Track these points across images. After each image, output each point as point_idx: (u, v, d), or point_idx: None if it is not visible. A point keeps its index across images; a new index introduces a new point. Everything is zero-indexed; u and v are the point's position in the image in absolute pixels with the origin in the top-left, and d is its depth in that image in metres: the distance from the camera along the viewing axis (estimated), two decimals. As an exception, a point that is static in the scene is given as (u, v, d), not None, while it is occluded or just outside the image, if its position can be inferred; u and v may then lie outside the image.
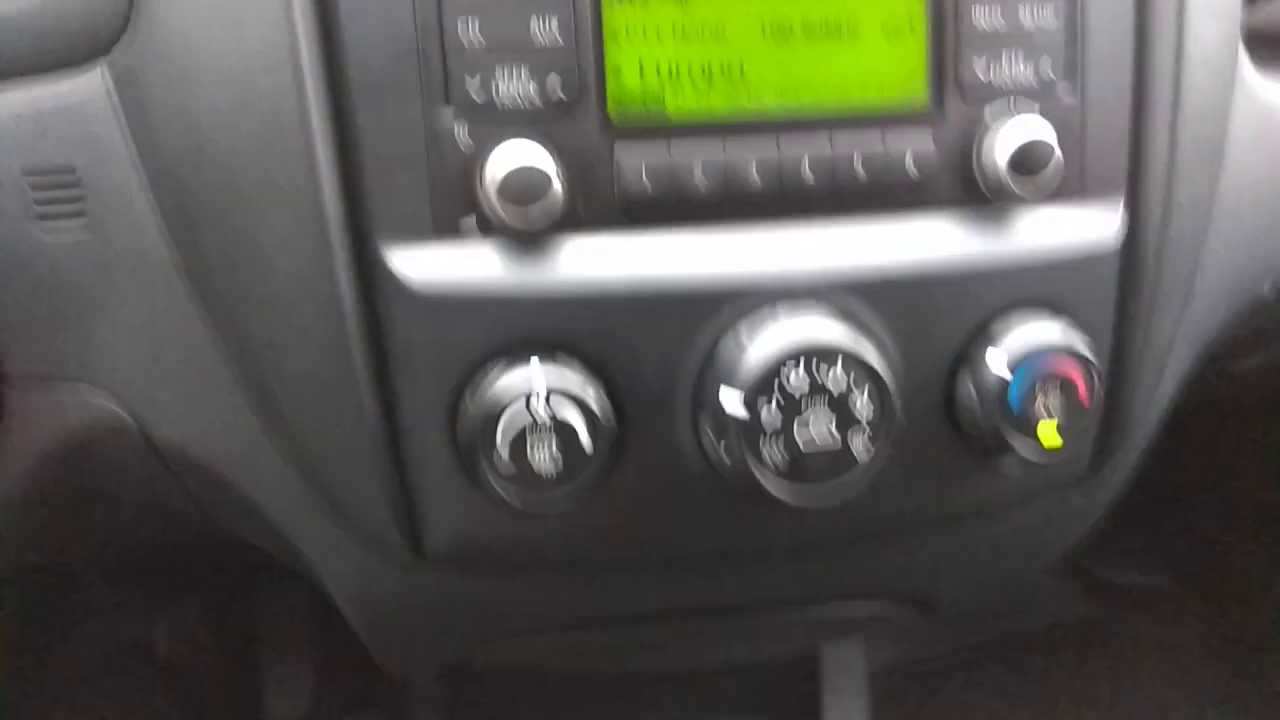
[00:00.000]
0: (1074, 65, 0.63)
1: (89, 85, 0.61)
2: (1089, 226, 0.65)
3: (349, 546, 0.67)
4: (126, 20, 0.61)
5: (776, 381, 0.58)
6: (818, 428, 0.59)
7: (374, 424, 0.60)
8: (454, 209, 0.58)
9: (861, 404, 0.59)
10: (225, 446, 0.65)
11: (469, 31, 0.57)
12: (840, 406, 0.58)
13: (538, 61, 0.57)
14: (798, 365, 0.58)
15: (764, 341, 0.58)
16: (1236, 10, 0.69)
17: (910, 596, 0.80)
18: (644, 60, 0.59)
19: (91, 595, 1.46)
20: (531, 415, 0.57)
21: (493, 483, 0.58)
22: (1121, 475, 0.75)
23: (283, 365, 0.61)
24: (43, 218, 0.61)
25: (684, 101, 0.60)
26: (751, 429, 0.58)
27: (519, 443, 0.57)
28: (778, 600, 0.77)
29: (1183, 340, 0.71)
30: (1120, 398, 0.69)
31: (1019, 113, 0.63)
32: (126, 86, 0.61)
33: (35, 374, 0.63)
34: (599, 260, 0.60)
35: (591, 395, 0.58)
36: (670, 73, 0.60)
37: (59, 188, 0.61)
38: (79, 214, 0.61)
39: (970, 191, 0.63)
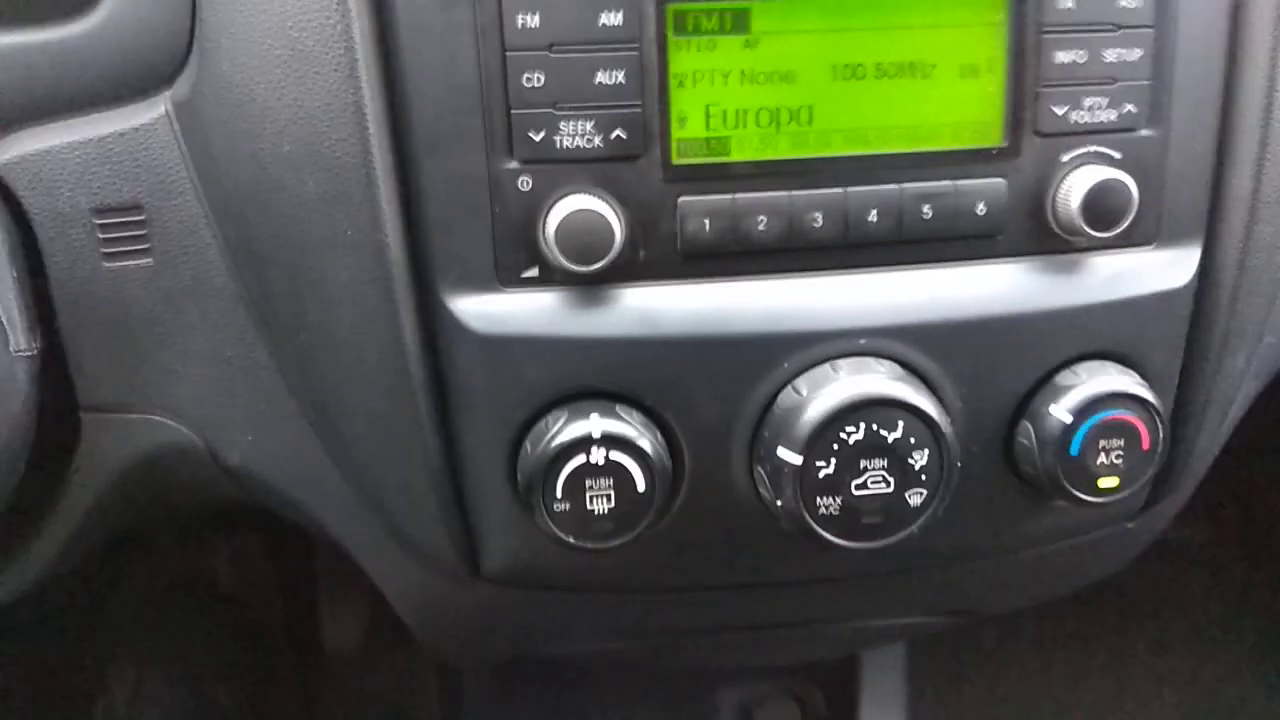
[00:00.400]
0: (1159, 104, 0.60)
1: (151, 116, 0.61)
2: (1163, 271, 0.63)
3: (406, 562, 0.69)
4: (188, 51, 0.61)
5: (835, 436, 0.58)
6: (874, 482, 0.59)
7: (435, 460, 0.61)
8: (516, 257, 0.58)
9: (919, 460, 0.58)
10: (291, 469, 0.67)
11: (533, 83, 0.55)
12: (898, 461, 0.58)
13: (602, 112, 0.56)
14: (856, 421, 0.58)
15: (823, 396, 0.58)
16: None
17: (952, 612, 0.81)
18: (710, 106, 0.58)
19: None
20: (589, 461, 0.57)
21: (549, 521, 0.59)
22: (1177, 506, 0.74)
23: (347, 401, 0.62)
24: (110, 255, 0.61)
25: (750, 148, 0.58)
26: (808, 481, 0.58)
27: (576, 487, 0.58)
28: (822, 619, 0.78)
29: (1253, 376, 0.70)
30: (1183, 436, 0.68)
31: (1098, 157, 0.60)
32: (188, 119, 0.60)
33: (108, 403, 0.65)
34: (658, 309, 0.59)
35: (648, 443, 0.58)
36: (737, 119, 0.58)
37: (126, 224, 0.61)
38: (145, 249, 0.62)
39: (1041, 236, 0.61)
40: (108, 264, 0.61)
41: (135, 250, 0.61)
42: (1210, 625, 1.55)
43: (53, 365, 0.62)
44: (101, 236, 0.61)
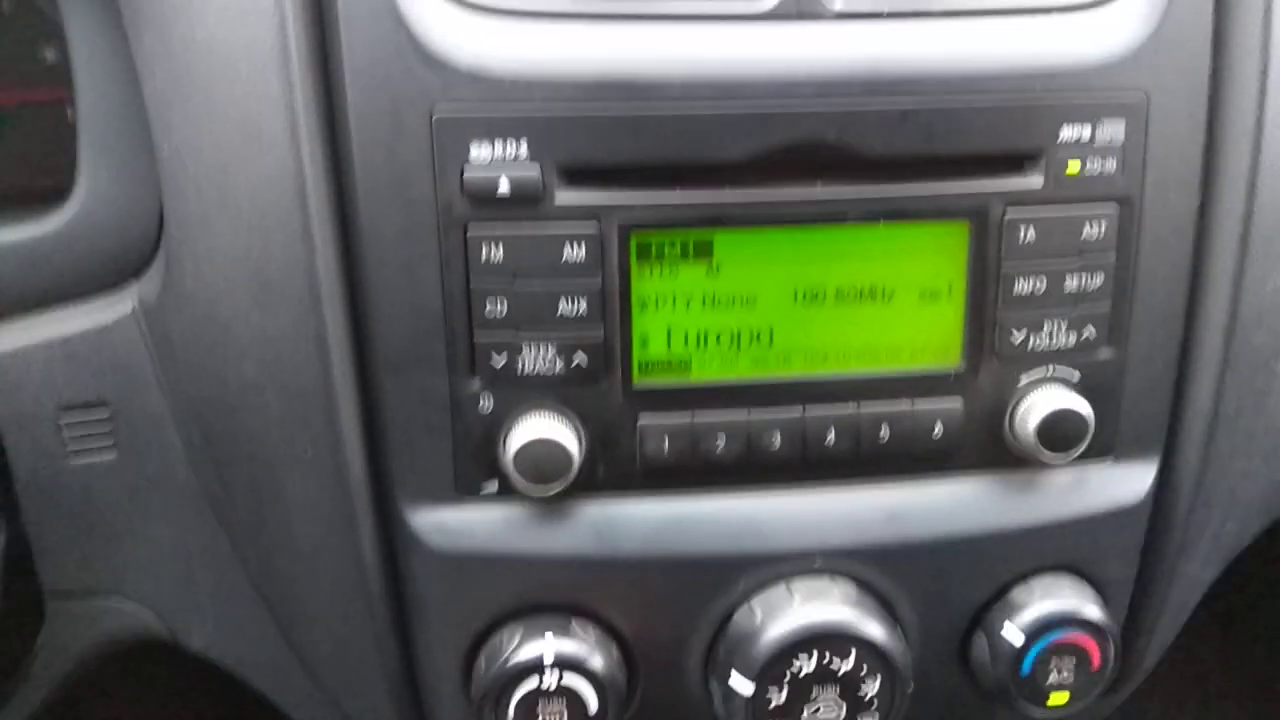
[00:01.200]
0: (1119, 326, 0.61)
1: (118, 313, 0.61)
2: (1120, 484, 0.64)
3: None
4: (156, 246, 0.61)
5: (787, 666, 0.58)
6: (826, 709, 0.59)
7: (392, 665, 0.62)
8: (475, 473, 0.59)
9: (871, 688, 0.59)
10: (252, 656, 0.67)
11: (496, 311, 0.56)
12: (850, 690, 0.59)
13: (565, 337, 0.57)
14: (809, 651, 0.58)
15: (778, 624, 0.58)
16: None
17: None
18: (672, 328, 0.58)
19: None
20: (542, 686, 0.58)
21: None
22: (1136, 684, 0.75)
23: (306, 605, 0.62)
24: (76, 453, 0.62)
25: (710, 369, 0.59)
26: (760, 709, 0.58)
27: (529, 708, 0.58)
28: None
29: (1212, 562, 0.70)
30: (1137, 646, 0.68)
31: (1056, 379, 0.61)
32: (154, 323, 0.61)
33: (72, 589, 0.65)
34: (615, 525, 0.60)
35: (601, 662, 0.58)
36: (698, 340, 0.59)
37: (91, 422, 0.61)
38: (110, 445, 0.62)
39: (997, 455, 0.62)
40: (73, 461, 0.62)
41: (100, 447, 0.62)
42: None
43: (17, 554, 0.62)
44: (67, 435, 0.61)
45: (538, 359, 0.57)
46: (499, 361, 0.57)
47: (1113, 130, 0.58)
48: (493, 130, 0.54)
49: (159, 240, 0.61)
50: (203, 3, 0.52)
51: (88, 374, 0.61)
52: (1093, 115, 0.57)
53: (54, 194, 0.63)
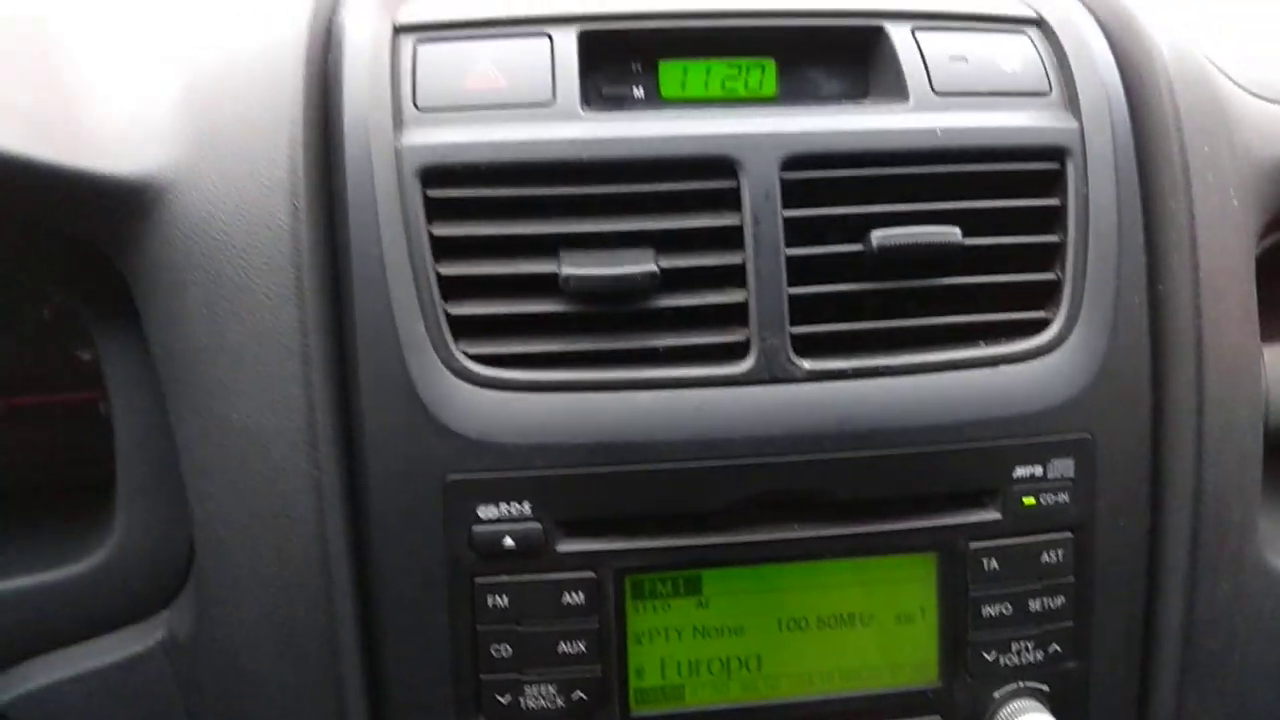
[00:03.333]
0: (1083, 639, 0.66)
1: (148, 644, 0.66)
2: None
3: None
4: (184, 578, 0.66)
5: None
6: None
7: None
8: None
9: None
10: None
11: (501, 653, 0.61)
12: None
13: (565, 675, 0.61)
14: None
15: None
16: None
17: None
18: (665, 659, 0.63)
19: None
20: None
21: None
22: None
23: None
24: None
25: (703, 695, 0.63)
26: None
27: None
28: None
29: None
30: None
31: (1027, 691, 0.65)
32: (182, 653, 0.65)
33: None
34: None
35: None
36: (690, 668, 0.63)
37: None
38: None
39: None
40: None
41: None
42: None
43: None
44: None
45: (540, 696, 0.61)
46: (504, 700, 0.61)
47: (1062, 467, 0.64)
48: (499, 492, 0.60)
49: (188, 571, 0.66)
50: (239, 392, 0.59)
51: (121, 705, 0.65)
52: (1043, 455, 0.63)
53: (89, 516, 0.69)
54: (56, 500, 0.71)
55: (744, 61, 0.70)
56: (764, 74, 0.69)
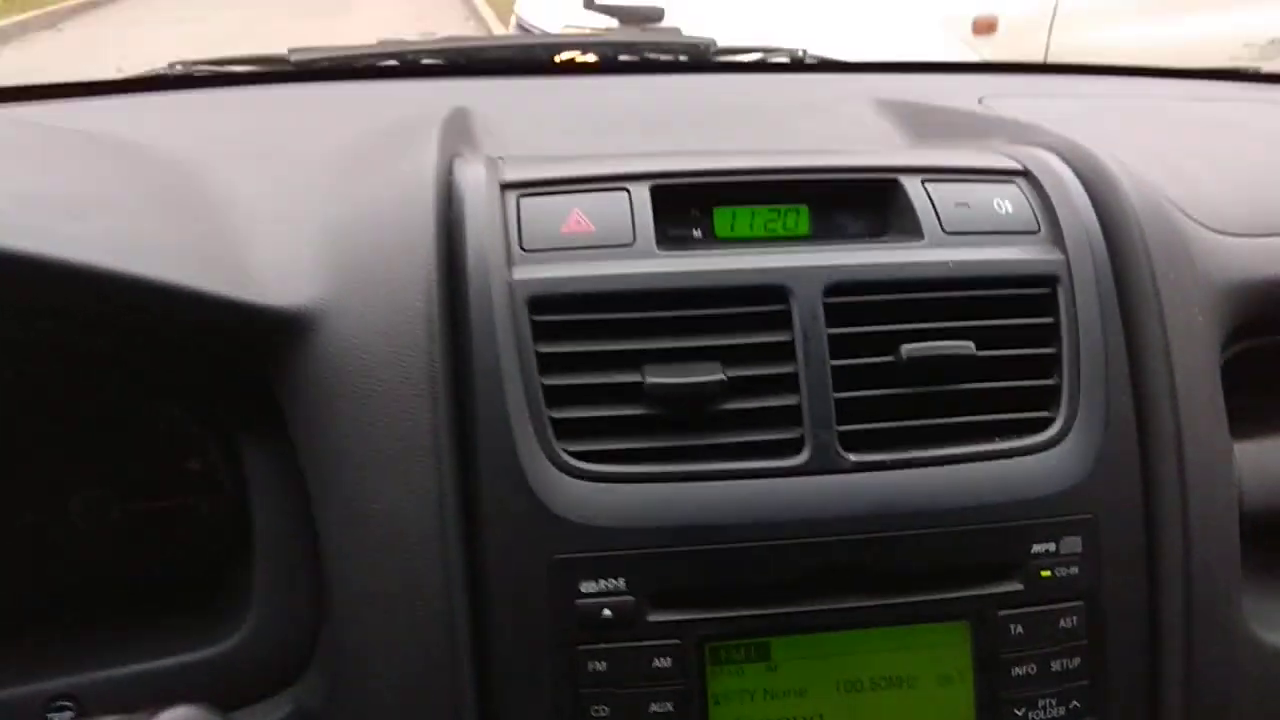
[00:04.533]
0: (1098, 698, 0.75)
1: (276, 714, 0.74)
2: None
3: None
4: (309, 656, 0.75)
5: None
6: None
7: None
8: None
9: None
10: None
11: (601, 713, 0.69)
12: None
13: (656, 732, 0.70)
14: None
15: None
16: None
17: None
18: (740, 718, 0.72)
19: None
20: None
21: None
22: None
23: None
24: None
25: (773, 758, 0.72)
26: None
27: None
28: None
29: None
30: None
31: (1053, 748, 0.75)
32: (314, 716, 0.73)
33: None
34: None
35: None
36: (759, 725, 0.72)
37: None
38: None
39: None
40: None
41: None
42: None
43: None
44: None
45: None
46: None
47: (1072, 544, 0.75)
48: (598, 570, 0.70)
49: (311, 649, 0.74)
50: (380, 485, 0.69)
51: None
52: (1055, 533, 0.75)
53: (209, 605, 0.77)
54: (160, 592, 0.80)
55: (782, 208, 0.83)
56: (799, 217, 0.83)
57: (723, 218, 0.83)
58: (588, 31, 2.04)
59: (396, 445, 0.70)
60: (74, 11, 11.85)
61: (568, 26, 2.37)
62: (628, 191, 0.79)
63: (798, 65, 1.50)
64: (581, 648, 0.70)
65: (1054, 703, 0.74)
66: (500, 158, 0.83)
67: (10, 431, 0.78)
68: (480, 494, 0.71)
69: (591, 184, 0.80)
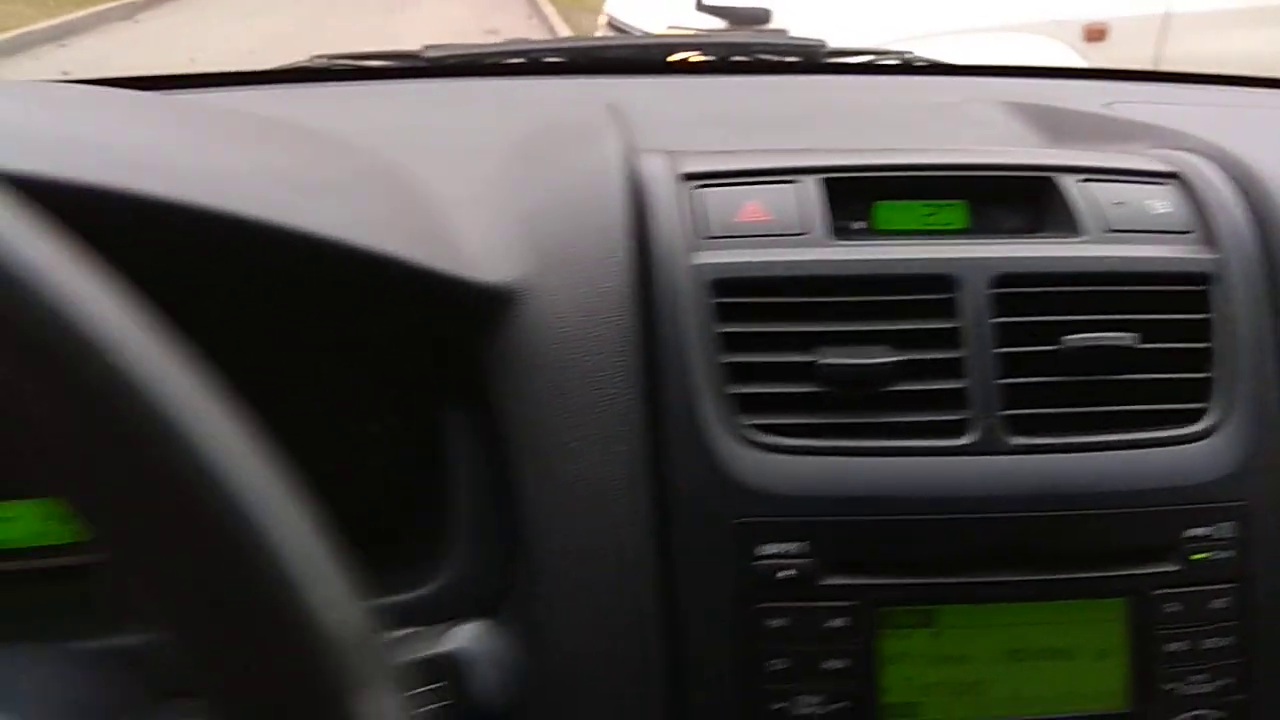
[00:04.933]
0: (1247, 677, 0.79)
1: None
2: None
3: None
4: (497, 607, 0.81)
5: None
6: None
7: None
8: None
9: None
10: None
11: (777, 666, 0.74)
12: None
13: (828, 689, 0.75)
14: None
15: None
16: None
17: None
18: (907, 680, 0.76)
19: None
20: None
21: None
22: None
23: None
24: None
25: (934, 712, 0.76)
26: None
27: None
28: None
29: None
30: None
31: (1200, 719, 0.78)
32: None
33: None
34: None
35: None
36: (925, 689, 0.76)
37: None
38: None
39: None
40: None
41: None
42: None
43: None
44: None
45: (808, 704, 0.74)
46: (779, 706, 0.74)
47: (1225, 529, 0.78)
48: (777, 534, 0.75)
49: (501, 600, 0.80)
50: (580, 450, 0.75)
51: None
52: (1209, 519, 0.78)
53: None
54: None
55: (940, 202, 0.88)
56: (958, 211, 0.87)
57: (884, 210, 0.88)
58: (694, 31, 2.10)
59: (593, 414, 0.76)
60: (149, 4, 12.16)
61: (672, 26, 2.44)
62: (800, 184, 0.84)
63: (908, 68, 1.53)
64: (761, 605, 0.75)
65: (1204, 679, 0.78)
66: (674, 151, 0.89)
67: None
68: (668, 459, 0.76)
69: (766, 176, 0.85)
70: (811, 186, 0.85)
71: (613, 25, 3.60)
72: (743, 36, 1.82)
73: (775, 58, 1.52)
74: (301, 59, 1.49)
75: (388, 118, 1.15)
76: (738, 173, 0.85)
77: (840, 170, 0.86)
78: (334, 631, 0.31)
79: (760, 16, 1.91)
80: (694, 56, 1.54)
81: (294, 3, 11.66)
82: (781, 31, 1.88)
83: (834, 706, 0.75)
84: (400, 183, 0.87)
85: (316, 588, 0.31)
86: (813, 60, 1.51)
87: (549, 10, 11.11)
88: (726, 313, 0.79)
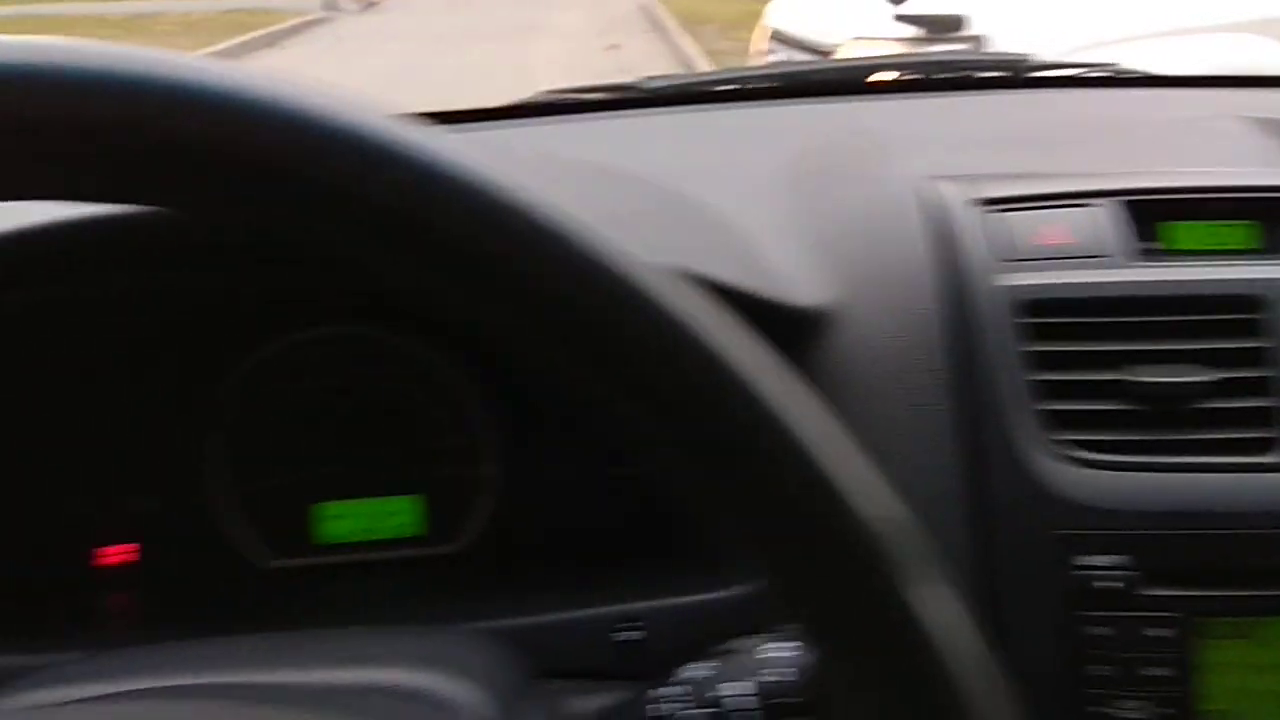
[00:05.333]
0: None
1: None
2: None
3: None
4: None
5: None
6: None
7: None
8: None
9: None
10: None
11: (1101, 673, 0.78)
12: None
13: (1150, 695, 0.78)
14: None
15: None
16: None
17: None
18: (1226, 688, 0.78)
19: None
20: None
21: None
22: None
23: None
24: None
25: (1256, 720, 0.79)
26: None
27: None
28: None
29: None
30: None
31: None
32: None
33: None
34: None
35: None
36: (1243, 697, 0.79)
37: None
38: None
39: None
40: None
41: None
42: None
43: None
44: None
45: (1130, 710, 0.77)
46: (1101, 710, 0.77)
47: None
48: (1100, 546, 0.78)
49: None
50: (895, 467, 0.80)
51: None
52: None
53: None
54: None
55: (1233, 223, 0.89)
56: (1248, 232, 0.89)
57: (1175, 230, 0.90)
58: (878, 41, 2.13)
59: (910, 426, 0.80)
60: (291, 32, 12.80)
61: (858, 39, 2.47)
62: (1099, 206, 0.87)
63: (1116, 81, 1.53)
64: (1082, 613, 0.78)
65: None
66: (963, 176, 0.93)
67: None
68: (986, 473, 0.80)
69: (1060, 199, 0.89)
70: (1111, 209, 0.88)
71: (779, 39, 3.62)
72: (941, 54, 1.84)
73: (980, 74, 1.54)
74: (529, 94, 1.58)
75: (649, 151, 1.22)
76: (1035, 197, 0.89)
77: (1139, 193, 0.89)
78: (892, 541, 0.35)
79: (956, 23, 1.93)
80: (900, 76, 1.58)
81: (422, 29, 12.10)
82: (974, 45, 1.90)
83: (1158, 711, 0.78)
84: (705, 214, 0.93)
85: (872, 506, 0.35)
86: (1017, 75, 1.52)
87: (671, 25, 11.24)
88: (1037, 332, 0.83)
